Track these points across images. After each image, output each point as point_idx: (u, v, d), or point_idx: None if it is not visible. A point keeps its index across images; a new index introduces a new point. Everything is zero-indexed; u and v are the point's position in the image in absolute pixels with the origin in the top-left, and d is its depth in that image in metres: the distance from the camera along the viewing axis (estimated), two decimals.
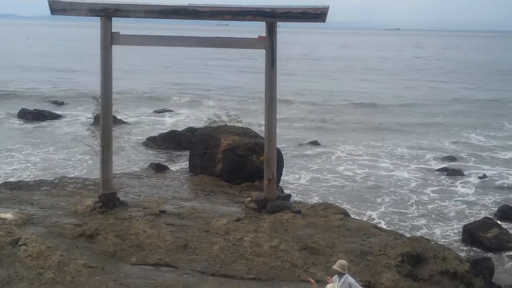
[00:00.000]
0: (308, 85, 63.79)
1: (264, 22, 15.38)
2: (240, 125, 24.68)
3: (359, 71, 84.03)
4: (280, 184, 21.35)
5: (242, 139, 22.36)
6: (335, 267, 10.12)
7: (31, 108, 41.58)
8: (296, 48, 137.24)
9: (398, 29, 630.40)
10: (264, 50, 15.65)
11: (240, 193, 20.47)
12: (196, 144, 24.11)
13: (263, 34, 15.58)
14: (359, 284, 10.23)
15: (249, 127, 24.68)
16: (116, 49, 15.67)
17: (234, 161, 22.07)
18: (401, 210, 23.00)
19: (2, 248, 13.00)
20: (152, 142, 32.02)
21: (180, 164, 26.69)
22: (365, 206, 23.16)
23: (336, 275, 10.08)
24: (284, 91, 41.56)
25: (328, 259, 13.29)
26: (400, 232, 17.24)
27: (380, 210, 22.93)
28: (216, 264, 13.07)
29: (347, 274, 10.06)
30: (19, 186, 20.38)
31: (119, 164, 24.36)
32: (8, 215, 14.80)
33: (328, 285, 10.06)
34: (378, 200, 24.12)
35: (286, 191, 20.35)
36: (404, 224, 21.52)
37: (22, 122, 38.79)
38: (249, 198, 16.94)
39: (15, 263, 12.56)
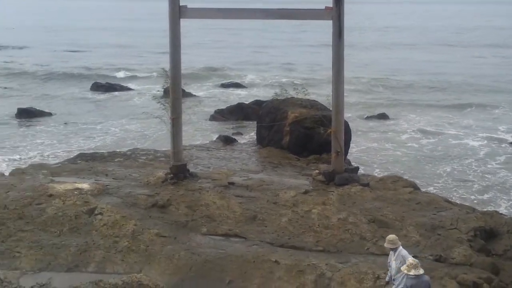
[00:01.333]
0: (376, 57, 62.52)
1: None
2: (307, 97, 24.52)
3: (430, 43, 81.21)
4: (348, 156, 21.16)
5: (309, 112, 22.26)
6: (385, 244, 10.01)
7: (103, 82, 42.90)
8: (362, 19, 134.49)
9: None
10: (331, 21, 15.42)
11: (307, 165, 20.47)
12: (263, 117, 24.19)
13: (330, 5, 15.32)
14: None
15: (316, 100, 24.49)
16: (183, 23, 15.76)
17: (301, 134, 22.03)
18: (467, 183, 22.39)
19: (79, 217, 13.57)
20: (220, 115, 32.33)
21: (247, 137, 26.87)
22: (431, 179, 22.67)
23: (391, 251, 9.96)
24: (351, 63, 40.83)
25: (398, 232, 13.12)
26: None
27: (447, 182, 22.42)
28: (285, 236, 13.18)
29: (400, 247, 9.90)
30: (94, 157, 21.11)
31: (188, 136, 24.76)
32: (85, 185, 15.39)
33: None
34: (445, 172, 23.59)
35: (354, 164, 20.18)
36: (471, 197, 20.95)
37: (95, 96, 39.97)
38: (317, 171, 16.91)
39: (92, 231, 13.10)
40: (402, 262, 9.58)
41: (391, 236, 10.04)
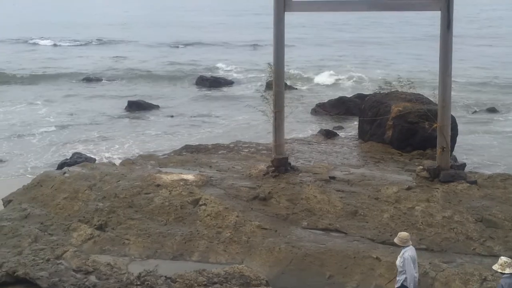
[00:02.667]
0: (484, 50, 59.79)
1: None
2: (411, 91, 23.91)
3: None
4: (453, 152, 20.44)
5: (413, 106, 21.70)
6: (395, 239, 9.85)
7: (208, 76, 44.05)
8: (469, 10, 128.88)
9: None
10: (440, 12, 14.93)
11: (410, 161, 20.01)
12: (365, 111, 23.87)
13: None
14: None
15: (422, 93, 23.80)
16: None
17: (404, 128, 21.54)
18: None
19: (184, 207, 14.07)
20: (322, 108, 32.20)
21: (349, 131, 26.60)
22: None
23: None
24: (459, 55, 39.27)
25: (507, 233, 12.62)
26: None
27: None
28: (386, 233, 13.00)
29: (407, 247, 9.73)
30: (198, 149, 21.75)
31: (290, 130, 24.88)
32: (190, 176, 15.92)
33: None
34: None
35: (460, 160, 19.47)
36: None
37: (200, 89, 41.06)
38: (421, 167, 16.49)
39: (196, 221, 13.55)
40: (403, 263, 9.57)
41: (402, 234, 9.86)
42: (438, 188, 14.98)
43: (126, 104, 34.26)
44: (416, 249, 12.20)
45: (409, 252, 9.78)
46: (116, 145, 26.10)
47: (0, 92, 39.91)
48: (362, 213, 13.90)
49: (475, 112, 32.24)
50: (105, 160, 22.22)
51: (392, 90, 24.55)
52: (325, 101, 33.28)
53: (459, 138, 22.70)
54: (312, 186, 15.17)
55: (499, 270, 8.71)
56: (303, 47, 61.18)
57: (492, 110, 32.27)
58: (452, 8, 14.89)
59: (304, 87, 40.75)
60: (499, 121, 30.19)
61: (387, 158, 20.41)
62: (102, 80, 44.90)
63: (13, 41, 72.36)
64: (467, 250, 12.28)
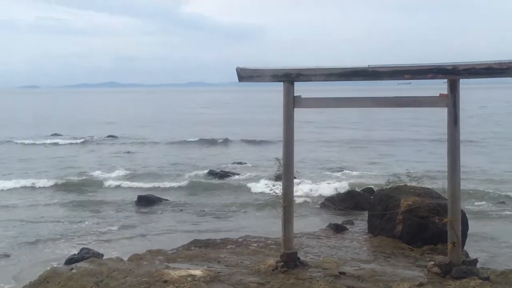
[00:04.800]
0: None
1: (446, 80, 14.99)
2: (421, 185, 23.93)
3: None
4: (465, 247, 20.15)
5: (423, 200, 21.65)
6: None
7: (218, 170, 44.61)
8: (476, 105, 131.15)
9: None
10: (446, 108, 15.22)
11: (421, 256, 19.70)
12: (375, 205, 23.80)
13: (444, 92, 15.17)
14: None
15: (430, 188, 23.81)
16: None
17: (415, 223, 21.39)
18: None
19: None
20: (330, 202, 32.16)
21: (358, 225, 26.41)
22: None
23: None
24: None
25: None
26: None
27: None
28: None
29: None
30: (207, 244, 21.58)
31: (298, 224, 24.71)
32: (198, 272, 15.70)
33: None
34: None
35: (472, 256, 19.15)
36: None
37: (210, 181, 41.34)
38: (432, 262, 16.22)
39: None
40: None
41: None
42: (450, 285, 14.64)
43: (135, 198, 34.40)
44: None
45: None
46: (125, 240, 25.98)
47: None
48: None
49: (486, 206, 32.01)
50: (113, 256, 22.03)
51: (401, 184, 24.60)
52: (334, 195, 33.30)
53: (470, 232, 22.44)
54: (321, 282, 14.90)
55: None
56: (304, 144, 62.11)
57: (503, 204, 32.08)
58: (459, 105, 15.18)
59: (312, 181, 40.85)
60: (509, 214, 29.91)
61: (398, 253, 20.12)
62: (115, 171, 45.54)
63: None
64: None
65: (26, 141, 69.72)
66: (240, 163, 49.94)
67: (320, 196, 34.61)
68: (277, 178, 32.75)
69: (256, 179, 42.18)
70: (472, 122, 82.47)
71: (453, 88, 15.18)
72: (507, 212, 30.53)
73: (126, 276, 15.59)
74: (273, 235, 23.03)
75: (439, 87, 15.87)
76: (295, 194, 17.39)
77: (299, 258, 17.05)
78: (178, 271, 15.88)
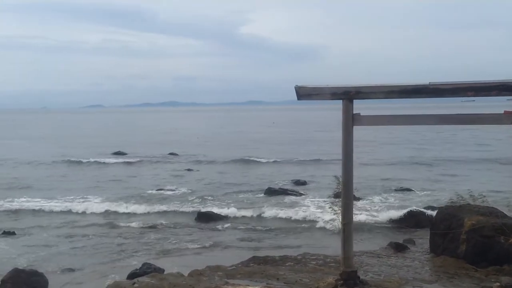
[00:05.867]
0: None
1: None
2: (484, 204, 23.31)
3: None
4: None
5: (488, 219, 21.06)
6: None
7: (277, 188, 44.69)
8: None
9: None
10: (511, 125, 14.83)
11: (486, 277, 19.11)
12: (437, 224, 23.31)
13: (508, 109, 14.79)
14: None
15: (495, 207, 23.14)
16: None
17: (479, 243, 20.81)
18: None
19: None
20: (391, 221, 31.72)
21: (420, 244, 25.89)
22: None
23: None
24: None
25: None
26: None
27: None
28: None
29: None
30: (266, 260, 21.64)
31: (358, 242, 24.52)
32: None
33: None
34: None
35: None
36: None
37: (269, 200, 41.47)
38: (498, 283, 15.78)
39: None
40: None
41: None
42: None
43: (196, 215, 34.91)
44: None
45: None
46: (185, 255, 26.36)
47: None
48: None
49: None
50: (173, 271, 22.36)
51: (464, 203, 24.02)
52: (395, 214, 32.79)
53: None
54: None
55: None
56: (372, 162, 61.42)
57: None
58: None
59: (373, 198, 40.39)
60: None
61: (461, 273, 19.59)
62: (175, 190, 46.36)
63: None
64: None
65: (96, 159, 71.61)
66: (299, 181, 49.85)
67: (381, 214, 34.12)
68: (336, 196, 32.67)
69: (316, 196, 42.03)
70: None
71: None
72: None
73: None
74: (333, 253, 22.85)
75: (504, 104, 15.52)
76: (354, 212, 17.26)
77: (359, 277, 16.85)
78: (237, 287, 15.98)
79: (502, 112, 15.27)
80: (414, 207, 34.08)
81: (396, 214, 32.80)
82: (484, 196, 24.07)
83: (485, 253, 20.59)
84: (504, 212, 21.86)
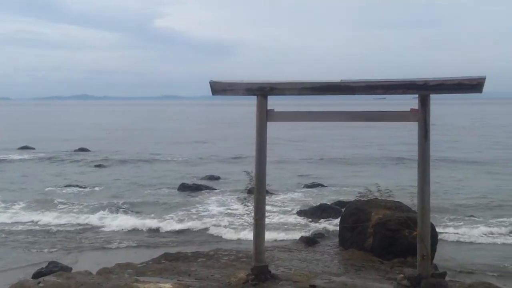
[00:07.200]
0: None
1: (417, 95, 15.18)
2: (391, 199, 24.15)
3: None
4: (434, 260, 20.33)
5: (393, 213, 21.84)
6: None
7: (190, 183, 44.38)
8: (449, 120, 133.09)
9: None
10: (417, 123, 15.42)
11: (391, 269, 19.83)
12: (346, 218, 23.92)
13: (415, 107, 15.37)
14: None
15: (401, 201, 24.03)
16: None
17: (385, 236, 21.54)
18: None
19: None
20: (302, 215, 32.25)
21: (329, 238, 26.50)
22: None
23: None
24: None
25: None
26: None
27: None
28: None
29: None
30: (178, 257, 21.40)
31: (270, 237, 24.73)
32: (168, 285, 15.52)
33: None
34: None
35: (440, 269, 19.31)
36: None
37: (183, 195, 41.07)
38: (402, 275, 16.32)
39: None
40: None
41: None
42: None
43: (106, 211, 34.06)
44: None
45: None
46: (93, 253, 25.64)
47: None
48: None
49: (454, 219, 32.37)
50: (81, 269, 21.67)
51: (372, 197, 24.78)
52: (306, 208, 33.39)
53: (439, 246, 22.67)
54: None
55: None
56: (284, 159, 62.19)
57: (471, 216, 32.47)
58: (429, 120, 15.37)
59: (285, 194, 40.93)
60: (479, 228, 30.21)
61: (368, 266, 20.22)
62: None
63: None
64: None
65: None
66: (212, 176, 49.71)
67: (292, 209, 34.63)
68: (248, 191, 32.83)
69: (228, 192, 42.07)
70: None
71: (424, 103, 15.39)
72: (477, 225, 30.92)
73: None
74: (245, 248, 22.94)
75: (413, 102, 16.06)
76: (267, 207, 17.37)
77: (270, 271, 16.98)
78: (148, 284, 15.67)
79: (409, 109, 15.87)
80: (325, 202, 34.89)
81: (307, 208, 33.41)
82: (391, 191, 24.94)
83: (390, 246, 21.33)
84: (408, 206, 22.74)
